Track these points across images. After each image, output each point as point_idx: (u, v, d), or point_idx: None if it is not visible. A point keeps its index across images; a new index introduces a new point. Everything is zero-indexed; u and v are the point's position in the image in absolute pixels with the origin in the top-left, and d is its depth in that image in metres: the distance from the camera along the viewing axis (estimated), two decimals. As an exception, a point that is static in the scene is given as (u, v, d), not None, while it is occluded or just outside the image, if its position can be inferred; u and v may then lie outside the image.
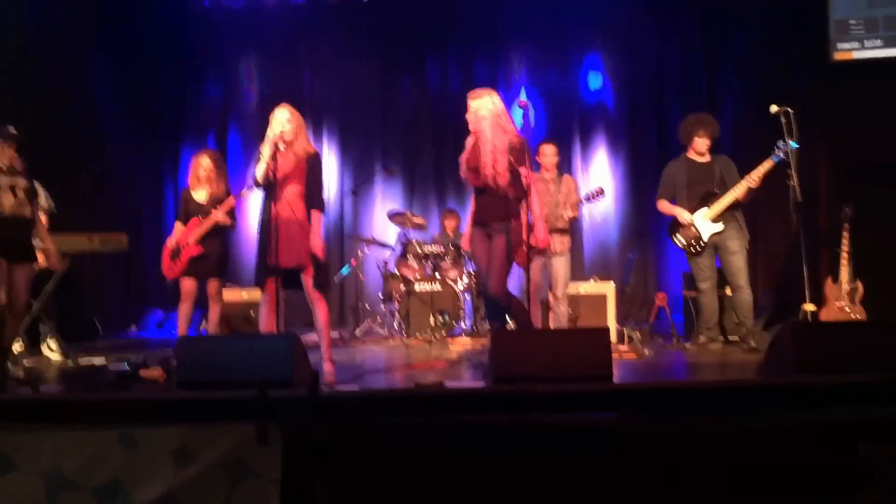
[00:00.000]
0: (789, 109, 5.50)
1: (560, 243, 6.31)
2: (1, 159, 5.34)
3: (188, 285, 5.89)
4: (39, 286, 5.98)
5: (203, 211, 5.94)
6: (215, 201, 5.98)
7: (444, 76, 9.46)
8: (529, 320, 4.99)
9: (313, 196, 4.92)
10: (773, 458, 2.73)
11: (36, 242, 5.70)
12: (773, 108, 5.53)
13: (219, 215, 5.87)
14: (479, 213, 4.98)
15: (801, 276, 5.49)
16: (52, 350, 6.04)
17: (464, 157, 4.98)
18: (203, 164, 6.06)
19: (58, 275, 6.03)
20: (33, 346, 6.28)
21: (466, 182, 5.11)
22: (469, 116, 4.90)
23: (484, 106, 4.81)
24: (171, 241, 5.90)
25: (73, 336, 6.32)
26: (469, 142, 4.96)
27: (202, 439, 2.36)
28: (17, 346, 6.24)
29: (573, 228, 8.95)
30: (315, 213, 4.88)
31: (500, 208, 4.82)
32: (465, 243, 5.20)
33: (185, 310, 5.88)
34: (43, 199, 6.41)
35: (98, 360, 5.79)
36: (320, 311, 4.89)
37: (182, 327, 5.85)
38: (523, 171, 4.76)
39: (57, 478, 2.32)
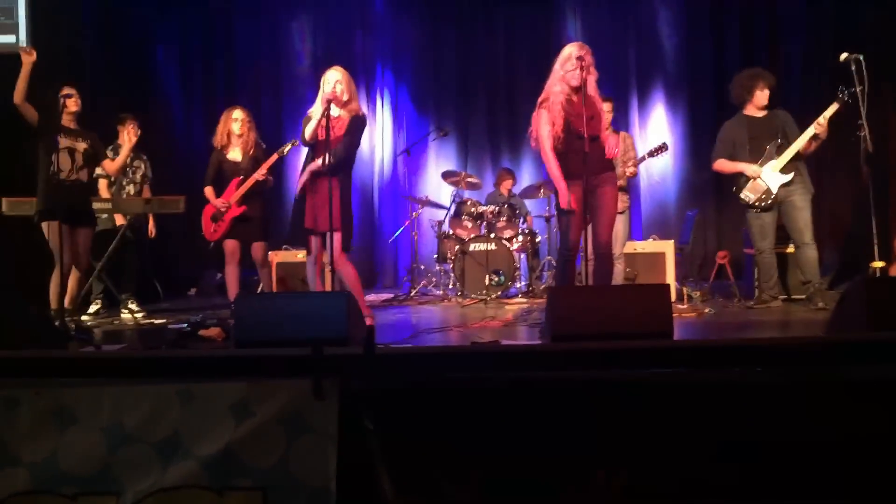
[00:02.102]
0: (860, 57, 5.26)
1: (620, 201, 6.19)
2: (63, 117, 5.45)
3: (231, 246, 5.81)
4: (104, 247, 6.09)
5: (241, 170, 5.82)
6: (251, 158, 5.88)
7: (494, 34, 9.32)
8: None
9: (341, 163, 4.86)
10: (839, 417, 2.63)
11: (97, 205, 5.82)
12: (843, 56, 5.31)
13: (262, 172, 5.75)
14: (578, 166, 4.63)
15: (868, 232, 5.29)
16: (133, 312, 6.12)
17: (556, 109, 4.69)
18: (237, 116, 5.88)
19: (119, 237, 6.13)
20: (112, 307, 6.45)
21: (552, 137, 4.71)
22: (573, 64, 4.61)
23: (587, 56, 4.63)
24: (218, 203, 5.77)
25: (135, 298, 6.45)
26: (562, 92, 4.69)
27: (260, 394, 2.36)
28: (93, 306, 6.42)
29: (631, 186, 8.84)
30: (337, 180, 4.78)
31: (605, 160, 4.70)
32: (564, 201, 4.73)
33: (232, 271, 5.83)
34: (149, 169, 6.64)
35: (159, 321, 5.90)
36: (349, 272, 4.88)
37: (232, 290, 5.82)
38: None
39: (118, 431, 2.35)
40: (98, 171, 6.14)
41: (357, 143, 5.03)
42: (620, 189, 6.19)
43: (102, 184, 6.52)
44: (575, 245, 4.75)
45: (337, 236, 4.78)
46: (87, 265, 5.65)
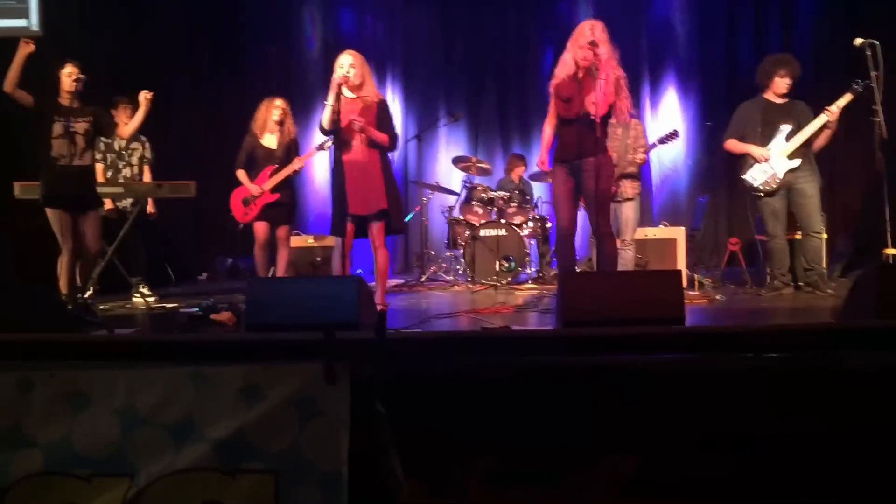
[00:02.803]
0: (875, 42, 5.21)
1: (631, 188, 6.17)
2: (62, 95, 5.33)
3: (261, 230, 5.98)
4: (117, 231, 6.11)
5: (274, 157, 5.97)
6: (285, 148, 6.00)
7: (506, 18, 9.27)
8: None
9: (393, 140, 4.99)
10: (850, 404, 2.62)
11: (108, 189, 5.79)
12: (858, 41, 5.27)
13: (299, 165, 5.92)
14: (567, 149, 4.68)
15: (882, 219, 5.26)
16: (145, 296, 6.15)
17: (555, 85, 4.70)
18: (279, 104, 6.04)
19: (131, 221, 6.15)
20: (123, 291, 6.43)
21: (555, 112, 4.77)
22: (581, 42, 4.58)
23: (603, 36, 4.60)
24: (253, 189, 5.90)
25: (146, 282, 6.46)
26: (568, 71, 4.67)
27: (271, 377, 2.37)
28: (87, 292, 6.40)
29: (642, 173, 8.81)
30: (380, 161, 4.95)
31: (598, 142, 4.61)
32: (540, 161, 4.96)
33: (261, 254, 6.01)
34: (148, 150, 6.56)
35: (170, 305, 5.92)
36: (383, 258, 4.91)
37: (261, 272, 5.99)
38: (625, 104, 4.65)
39: (132, 414, 2.36)
40: (97, 155, 6.11)
41: (392, 124, 5.10)
42: (631, 176, 6.18)
43: (99, 168, 6.38)
44: (564, 224, 4.77)
45: (380, 224, 4.86)
46: (97, 249, 5.59)
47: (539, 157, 4.98)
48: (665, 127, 8.05)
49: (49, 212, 5.40)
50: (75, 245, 5.37)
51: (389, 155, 5.10)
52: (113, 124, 5.69)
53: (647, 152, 6.28)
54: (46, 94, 5.29)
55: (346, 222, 4.77)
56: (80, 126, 5.30)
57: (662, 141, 6.36)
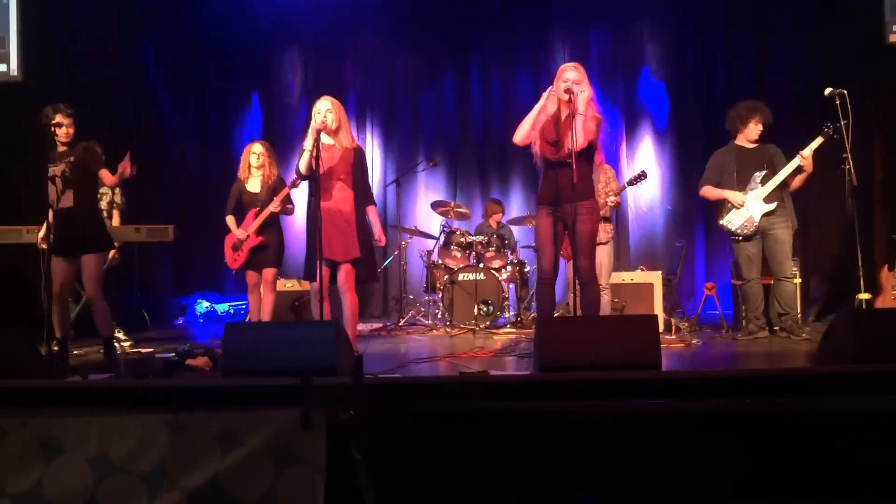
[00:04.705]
0: (844, 91, 5.35)
1: (604, 232, 6.23)
2: (58, 145, 5.30)
3: (253, 277, 6.07)
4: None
5: (258, 201, 6.02)
6: (269, 190, 6.03)
7: (486, 67, 9.41)
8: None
9: (367, 192, 5.08)
10: (828, 448, 2.64)
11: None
12: (828, 91, 5.40)
13: (275, 206, 5.94)
14: (553, 192, 4.68)
15: (855, 264, 5.34)
16: (120, 341, 6.07)
17: (540, 130, 4.73)
18: (256, 150, 6.12)
19: (108, 265, 6.10)
20: (98, 336, 6.32)
21: (539, 156, 4.77)
22: (562, 84, 4.64)
23: (579, 77, 4.64)
24: (238, 234, 5.97)
25: (121, 326, 6.38)
26: (549, 113, 4.72)
27: (247, 424, 2.35)
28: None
29: (619, 217, 8.89)
30: (372, 209, 5.08)
31: (580, 187, 4.58)
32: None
33: (253, 300, 6.08)
34: (118, 195, 6.49)
35: (146, 350, 5.86)
36: (352, 303, 4.92)
37: (254, 317, 6.04)
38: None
39: (105, 462, 2.33)
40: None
41: (366, 174, 5.18)
42: (604, 219, 6.24)
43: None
44: (546, 269, 4.80)
45: (348, 267, 4.87)
46: (91, 294, 5.39)
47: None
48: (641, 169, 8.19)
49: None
50: (61, 289, 5.28)
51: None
52: (98, 159, 5.47)
53: (618, 195, 6.36)
54: (43, 144, 5.28)
55: (321, 267, 4.78)
56: (58, 169, 5.24)
57: (631, 183, 6.47)
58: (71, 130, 5.33)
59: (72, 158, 5.28)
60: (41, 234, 5.46)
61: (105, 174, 5.42)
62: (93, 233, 5.38)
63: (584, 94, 4.62)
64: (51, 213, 5.13)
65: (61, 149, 5.35)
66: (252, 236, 5.96)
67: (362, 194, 5.01)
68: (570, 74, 4.68)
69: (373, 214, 5.08)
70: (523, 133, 4.75)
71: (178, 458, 2.34)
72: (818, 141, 5.64)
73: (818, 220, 7.59)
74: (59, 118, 5.27)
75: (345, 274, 4.88)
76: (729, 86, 8.53)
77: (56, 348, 5.29)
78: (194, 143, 9.12)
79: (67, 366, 5.04)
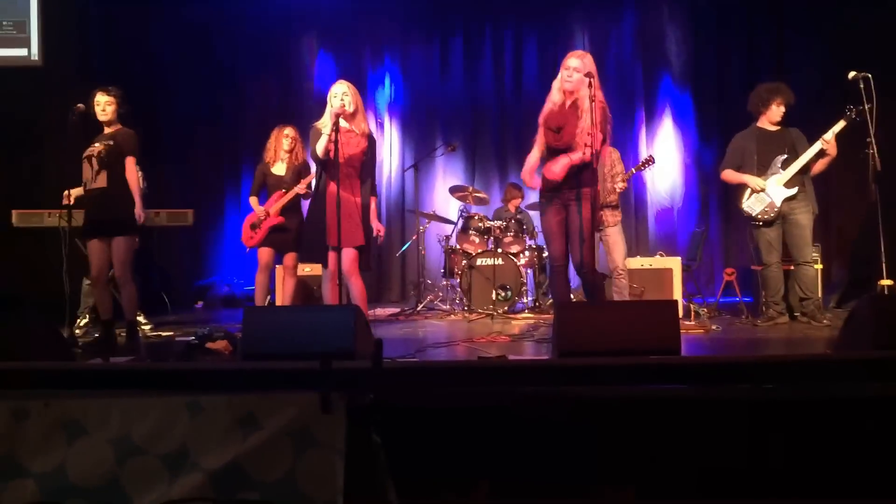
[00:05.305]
0: (868, 75, 5.27)
1: (612, 217, 6.22)
2: (102, 115, 5.36)
3: (266, 255, 6.05)
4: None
5: (283, 183, 6.06)
6: (295, 173, 6.06)
7: (501, 50, 9.36)
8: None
9: (373, 182, 5.14)
10: (849, 434, 2.62)
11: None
12: (851, 74, 5.33)
13: (301, 188, 5.96)
14: (555, 181, 4.70)
15: (878, 250, 5.29)
16: (141, 325, 6.11)
17: (545, 116, 4.78)
18: (289, 134, 6.19)
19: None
20: (119, 319, 6.37)
21: (543, 142, 4.82)
22: (567, 73, 4.65)
23: (586, 66, 4.62)
24: (259, 211, 6.01)
25: (141, 310, 6.43)
26: (555, 101, 4.76)
27: (267, 407, 2.36)
28: (83, 320, 6.35)
29: (637, 202, 8.85)
30: (374, 200, 5.15)
31: (581, 175, 4.64)
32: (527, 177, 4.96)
33: (262, 280, 6.05)
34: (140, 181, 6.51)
35: (166, 334, 5.91)
36: (360, 288, 4.95)
37: (260, 298, 6.01)
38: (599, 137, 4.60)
39: (126, 443, 2.35)
40: None
41: (375, 163, 5.27)
42: (611, 206, 6.22)
43: None
44: (556, 256, 4.84)
45: (353, 252, 4.90)
46: (121, 276, 5.42)
47: (522, 173, 5.02)
48: (658, 156, 8.13)
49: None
50: (98, 272, 5.34)
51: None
52: (133, 147, 5.48)
53: (625, 180, 6.33)
54: (83, 126, 5.35)
55: (327, 251, 4.83)
56: (94, 149, 5.30)
57: (639, 168, 6.44)
58: (109, 109, 5.36)
59: (111, 142, 5.33)
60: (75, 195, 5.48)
61: (130, 163, 5.45)
62: (124, 215, 5.40)
63: (590, 81, 4.53)
64: (84, 195, 5.20)
65: (104, 129, 5.41)
66: (273, 216, 5.98)
67: (369, 183, 5.07)
68: (572, 62, 4.68)
69: (374, 206, 5.16)
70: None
71: (199, 439, 2.35)
72: (840, 124, 5.57)
73: (839, 205, 7.52)
74: (97, 97, 5.33)
75: (351, 259, 4.90)
76: (749, 70, 8.44)
77: (98, 333, 5.36)
78: (208, 128, 9.12)
79: (115, 347, 5.09)
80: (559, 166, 4.62)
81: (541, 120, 4.83)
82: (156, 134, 8.25)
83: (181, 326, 6.30)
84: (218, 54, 9.13)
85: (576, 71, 4.62)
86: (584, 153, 4.55)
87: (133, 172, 5.41)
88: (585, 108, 4.55)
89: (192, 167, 8.87)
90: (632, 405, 2.62)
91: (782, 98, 5.81)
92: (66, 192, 5.44)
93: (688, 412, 2.64)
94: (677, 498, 2.57)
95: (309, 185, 5.98)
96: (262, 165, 6.21)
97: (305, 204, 6.30)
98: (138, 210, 5.39)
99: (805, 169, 5.72)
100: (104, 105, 5.35)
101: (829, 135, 5.58)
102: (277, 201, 6.02)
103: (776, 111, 5.83)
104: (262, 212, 6.00)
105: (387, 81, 9.46)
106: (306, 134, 8.63)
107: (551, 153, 4.77)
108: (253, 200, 6.15)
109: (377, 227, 5.17)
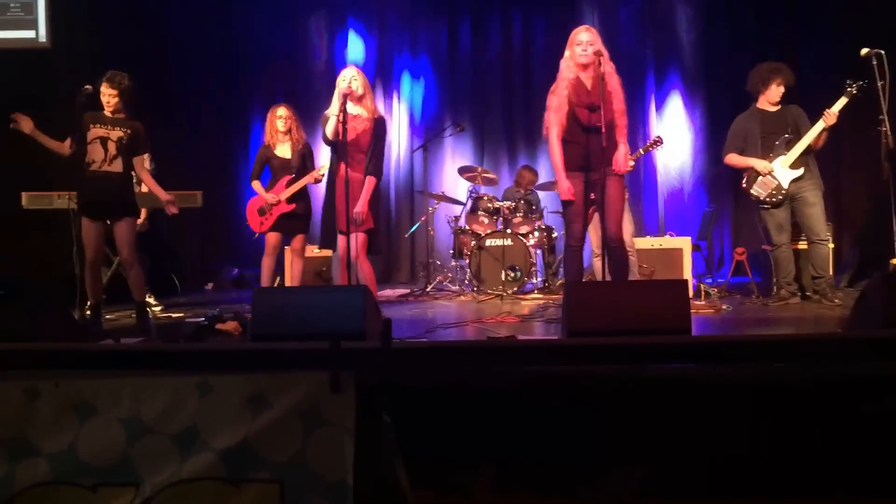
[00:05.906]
0: (882, 52, 5.21)
1: None
2: (105, 108, 5.38)
3: (273, 239, 5.99)
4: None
5: (291, 167, 5.96)
6: (300, 155, 5.99)
7: (511, 28, 9.29)
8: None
9: (376, 161, 5.02)
10: (859, 414, 2.61)
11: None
12: (864, 51, 5.26)
13: (317, 174, 5.89)
14: (584, 157, 4.66)
15: (889, 228, 5.25)
16: (151, 306, 6.13)
17: (563, 95, 4.68)
18: (281, 114, 6.01)
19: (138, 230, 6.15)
20: (129, 301, 6.40)
21: (561, 126, 4.67)
22: (582, 48, 4.60)
23: (593, 38, 4.60)
24: (269, 198, 5.92)
25: (152, 292, 6.45)
26: (569, 78, 4.70)
27: (277, 386, 2.37)
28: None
29: (647, 182, 8.81)
30: (371, 179, 5.00)
31: (609, 152, 4.61)
32: (563, 191, 4.71)
33: (268, 263, 5.98)
34: (147, 162, 6.51)
35: (176, 315, 5.93)
36: (368, 270, 4.97)
37: (266, 281, 5.96)
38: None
39: (137, 423, 2.36)
40: None
41: (384, 147, 5.18)
42: None
43: None
44: (578, 236, 4.78)
45: (361, 236, 4.92)
46: (127, 258, 5.47)
47: (559, 184, 4.74)
48: (671, 135, 8.08)
49: (82, 219, 5.40)
50: (96, 255, 5.37)
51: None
52: (146, 145, 5.62)
53: (633, 160, 6.29)
54: (91, 107, 5.36)
55: (337, 235, 4.84)
56: (115, 134, 5.33)
57: (646, 149, 6.41)
58: (112, 101, 5.37)
59: (129, 130, 5.35)
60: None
61: (146, 159, 5.68)
62: (129, 198, 5.52)
63: (605, 57, 4.57)
64: (86, 173, 5.25)
65: (118, 115, 5.42)
66: (283, 203, 5.93)
67: (374, 163, 5.00)
68: (584, 36, 4.63)
69: (368, 184, 4.98)
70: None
71: (209, 419, 2.36)
72: (842, 101, 5.52)
73: (850, 185, 7.46)
74: (102, 87, 5.35)
75: (360, 243, 4.91)
76: (759, 50, 8.36)
77: (89, 314, 5.38)
78: (216, 110, 9.09)
79: (101, 331, 5.12)
80: (625, 158, 4.69)
81: (564, 100, 4.66)
82: (166, 114, 8.25)
83: (191, 308, 6.32)
84: (229, 31, 9.10)
85: (590, 44, 4.58)
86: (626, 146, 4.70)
87: (147, 168, 5.63)
88: (615, 84, 4.56)
89: (201, 149, 8.86)
90: (642, 384, 2.62)
91: (783, 78, 5.77)
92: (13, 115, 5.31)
93: (699, 391, 2.63)
94: (689, 479, 2.57)
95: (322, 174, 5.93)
96: (264, 148, 6.10)
97: (313, 188, 6.30)
98: (166, 196, 5.53)
99: (809, 148, 5.67)
100: (108, 97, 5.37)
101: (835, 108, 5.53)
102: (287, 188, 5.93)
103: (776, 91, 5.78)
104: (274, 198, 5.90)
105: (395, 62, 9.42)
106: (309, 115, 8.69)
107: (582, 131, 4.67)
108: (256, 185, 6.02)
109: (360, 207, 4.91)
